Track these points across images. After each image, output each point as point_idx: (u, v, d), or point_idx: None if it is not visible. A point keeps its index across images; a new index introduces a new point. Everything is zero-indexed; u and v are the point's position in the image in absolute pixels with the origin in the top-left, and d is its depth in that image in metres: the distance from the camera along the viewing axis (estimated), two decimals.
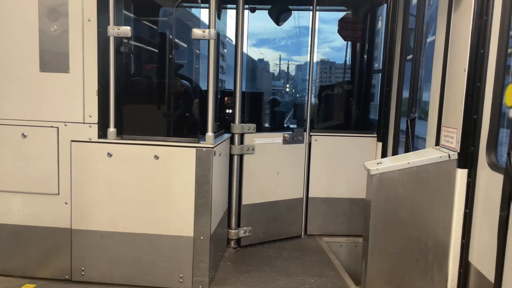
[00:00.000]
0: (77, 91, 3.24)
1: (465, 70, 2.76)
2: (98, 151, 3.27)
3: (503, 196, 2.36)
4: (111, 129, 3.30)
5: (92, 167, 3.28)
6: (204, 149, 3.22)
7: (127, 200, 3.28)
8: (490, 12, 2.65)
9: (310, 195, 4.67)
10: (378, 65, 5.19)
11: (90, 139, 3.27)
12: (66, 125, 3.27)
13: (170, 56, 4.30)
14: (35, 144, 3.28)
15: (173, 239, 3.28)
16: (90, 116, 3.26)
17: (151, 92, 4.04)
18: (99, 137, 3.28)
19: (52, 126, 3.27)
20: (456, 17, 2.96)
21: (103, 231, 3.32)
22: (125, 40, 3.48)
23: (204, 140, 3.29)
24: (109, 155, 3.26)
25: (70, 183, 3.30)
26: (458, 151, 2.83)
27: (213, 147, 3.25)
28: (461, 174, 2.83)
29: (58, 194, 3.32)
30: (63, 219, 3.34)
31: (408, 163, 2.99)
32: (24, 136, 3.28)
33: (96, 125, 3.26)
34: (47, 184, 3.31)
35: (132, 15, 3.95)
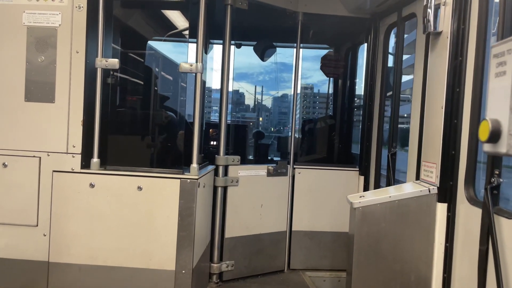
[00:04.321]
0: (62, 121, 3.23)
1: (442, 108, 2.88)
2: (80, 181, 3.23)
3: (482, 231, 2.42)
4: (95, 160, 3.28)
5: (73, 198, 3.23)
6: (188, 180, 3.22)
7: (108, 232, 3.22)
8: (464, 53, 2.80)
9: (293, 228, 4.65)
10: (359, 100, 5.35)
11: (73, 170, 3.24)
12: (49, 155, 3.23)
13: (156, 88, 4.35)
14: (16, 174, 3.23)
15: (154, 273, 3.21)
16: (74, 146, 3.24)
17: (136, 123, 4.06)
18: (82, 168, 3.25)
19: (34, 156, 3.23)
20: (432, 58, 3.11)
21: (82, 264, 3.22)
22: (112, 72, 3.52)
23: (189, 172, 3.29)
24: (92, 185, 3.22)
25: (50, 214, 3.23)
26: (438, 186, 2.91)
27: (197, 179, 3.25)
28: (441, 208, 2.89)
29: (37, 225, 3.24)
30: (41, 252, 3.24)
31: (390, 196, 3.05)
32: (4, 165, 3.23)
33: (80, 155, 3.24)
34: (25, 215, 3.23)
35: (119, 48, 4.02)
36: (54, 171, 3.23)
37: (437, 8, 2.95)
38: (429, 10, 2.97)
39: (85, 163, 3.27)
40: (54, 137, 3.24)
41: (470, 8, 2.76)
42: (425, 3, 3.02)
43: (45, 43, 3.21)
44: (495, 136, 0.96)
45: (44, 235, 3.24)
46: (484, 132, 0.98)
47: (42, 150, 3.24)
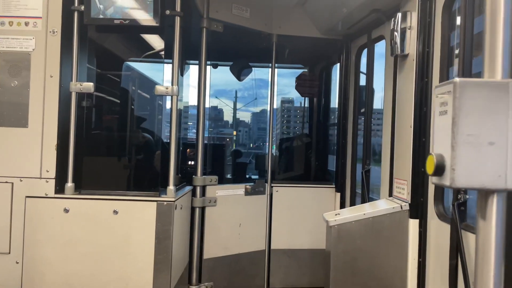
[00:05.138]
0: (35, 146, 3.19)
1: (411, 127, 2.99)
2: (54, 207, 3.18)
3: (451, 246, 2.50)
4: (69, 184, 3.24)
5: (47, 223, 3.17)
6: (165, 203, 3.21)
7: (83, 258, 3.16)
8: (430, 74, 2.93)
9: (272, 247, 4.67)
10: (334, 118, 5.47)
11: (46, 195, 3.18)
12: (21, 181, 3.18)
13: (132, 107, 4.34)
14: None
15: None
16: (48, 171, 3.19)
17: (112, 145, 4.03)
18: (56, 192, 3.20)
19: (6, 182, 3.17)
20: (401, 79, 3.24)
21: None
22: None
23: (165, 194, 3.29)
24: (66, 210, 3.18)
25: (23, 241, 3.16)
26: (409, 202, 2.99)
27: (174, 201, 3.24)
28: (413, 224, 2.98)
29: (9, 253, 3.15)
30: (13, 280, 3.14)
31: (364, 214, 3.11)
32: None
33: (54, 180, 3.19)
34: None
35: (94, 68, 4.01)
36: (27, 196, 3.17)
37: (403, 31, 3.09)
38: (395, 33, 3.11)
39: (59, 188, 3.22)
40: (27, 162, 3.19)
41: (433, 32, 2.91)
42: (392, 26, 3.16)
43: (18, 67, 3.19)
44: (439, 170, 1.03)
45: (17, 263, 3.15)
46: (430, 166, 1.05)
47: (15, 175, 3.18)
